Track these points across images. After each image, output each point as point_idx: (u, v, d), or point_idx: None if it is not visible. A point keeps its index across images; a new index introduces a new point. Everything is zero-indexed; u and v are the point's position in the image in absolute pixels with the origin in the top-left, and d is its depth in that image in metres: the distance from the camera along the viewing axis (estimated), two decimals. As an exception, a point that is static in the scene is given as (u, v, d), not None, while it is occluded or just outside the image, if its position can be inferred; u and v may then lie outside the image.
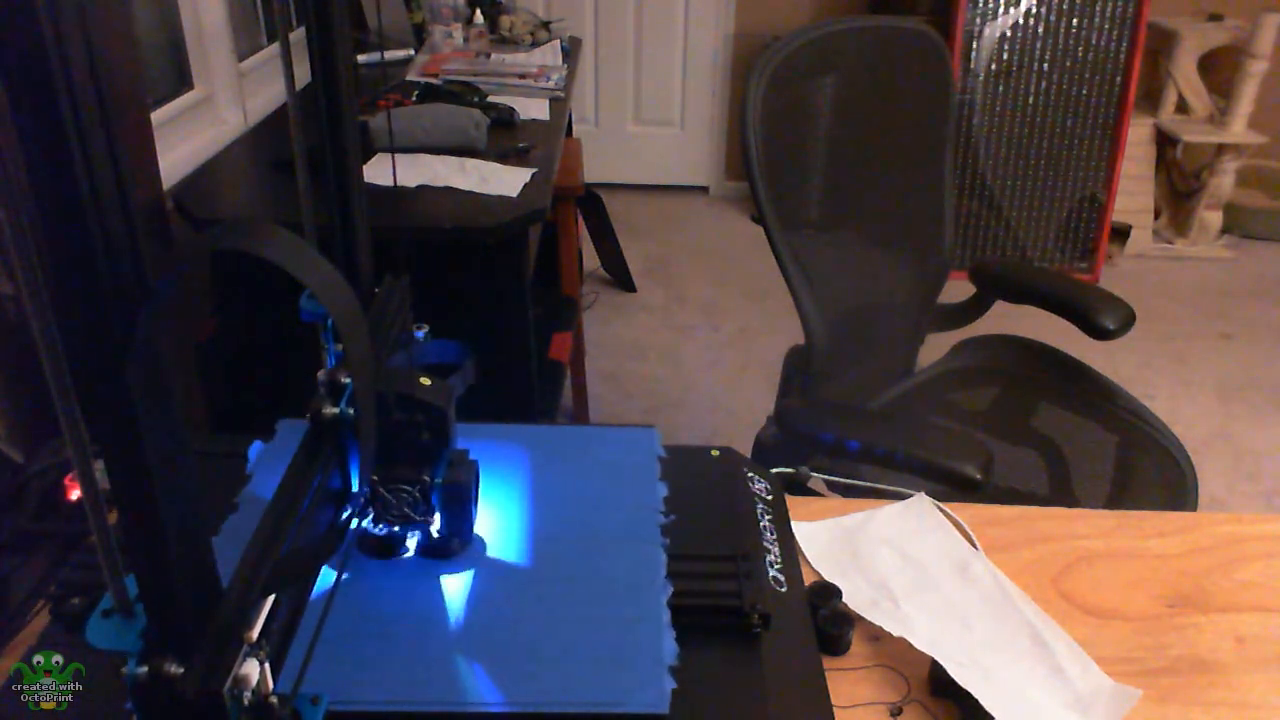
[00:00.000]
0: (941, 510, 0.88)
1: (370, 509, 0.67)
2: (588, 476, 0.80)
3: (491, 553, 0.72)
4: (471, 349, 0.76)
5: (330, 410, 0.60)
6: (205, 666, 0.44)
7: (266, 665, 0.48)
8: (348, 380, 0.62)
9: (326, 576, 0.63)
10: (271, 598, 0.50)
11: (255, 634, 0.48)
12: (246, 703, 0.47)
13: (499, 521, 0.75)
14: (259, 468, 0.78)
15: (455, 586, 0.69)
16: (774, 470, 0.91)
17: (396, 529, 0.68)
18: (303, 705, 0.52)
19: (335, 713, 0.58)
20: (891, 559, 0.82)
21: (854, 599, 0.76)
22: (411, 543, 0.71)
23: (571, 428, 0.90)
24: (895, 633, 0.72)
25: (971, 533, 0.86)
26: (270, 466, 0.78)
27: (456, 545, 0.71)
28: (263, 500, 0.72)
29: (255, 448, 0.81)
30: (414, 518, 0.67)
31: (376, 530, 0.69)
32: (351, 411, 0.60)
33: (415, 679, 0.61)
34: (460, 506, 0.68)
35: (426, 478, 0.66)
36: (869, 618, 0.74)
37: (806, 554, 0.82)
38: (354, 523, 0.66)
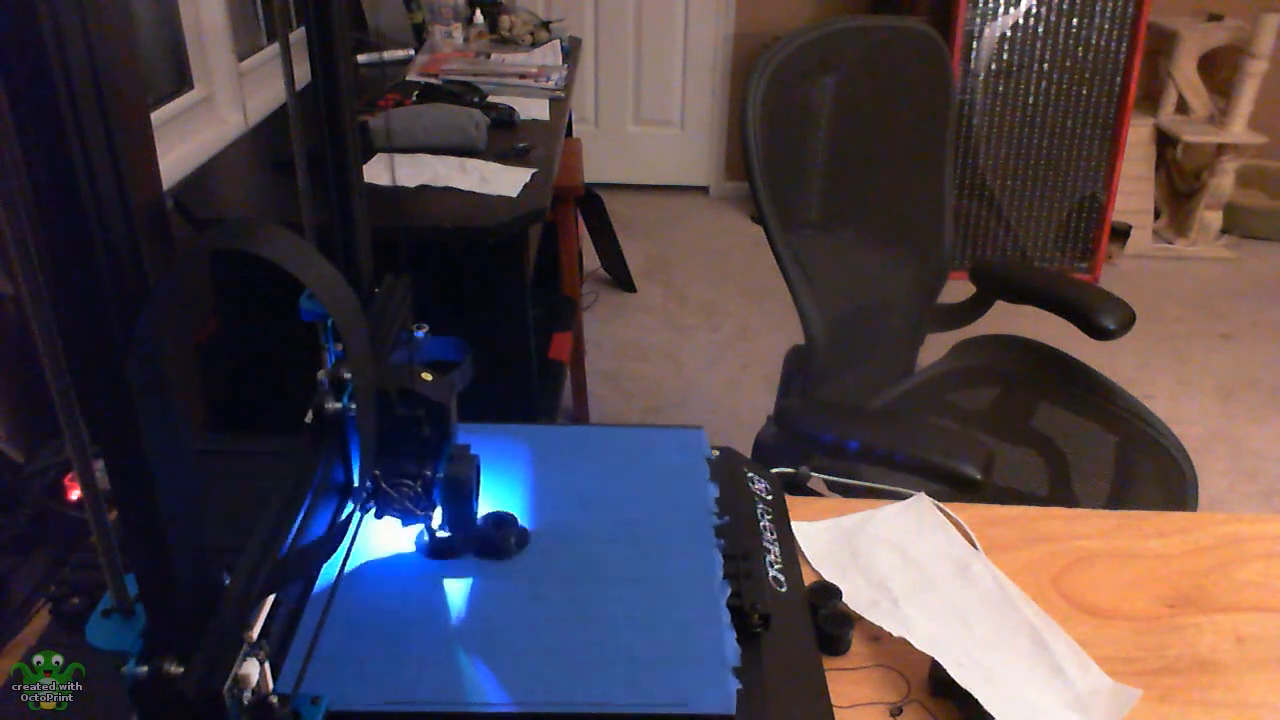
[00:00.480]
0: (941, 510, 0.88)
1: (373, 503, 0.67)
2: (639, 478, 0.81)
3: (548, 554, 0.72)
4: (470, 346, 0.76)
5: (333, 405, 0.60)
6: (205, 666, 0.44)
7: (266, 665, 0.48)
8: (349, 375, 0.62)
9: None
10: (271, 597, 0.50)
11: (255, 634, 0.48)
12: (246, 702, 0.47)
13: (554, 523, 0.75)
14: None
15: (513, 587, 0.69)
16: (774, 470, 0.91)
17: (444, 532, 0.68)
18: (302, 705, 0.52)
19: (386, 714, 0.58)
20: (891, 559, 0.82)
21: (854, 599, 0.76)
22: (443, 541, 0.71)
23: (620, 428, 0.91)
24: (895, 633, 0.72)
25: (971, 533, 0.86)
26: None
27: (513, 546, 0.71)
28: None
29: None
30: (415, 512, 0.67)
31: (437, 533, 0.69)
32: (353, 406, 0.60)
33: (467, 680, 0.61)
34: (462, 501, 0.68)
35: (428, 472, 0.66)
36: (869, 618, 0.74)
37: (806, 554, 0.82)
38: (353, 523, 0.66)
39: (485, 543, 0.71)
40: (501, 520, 0.73)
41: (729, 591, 0.68)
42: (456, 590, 0.69)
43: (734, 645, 0.64)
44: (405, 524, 0.69)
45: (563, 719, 0.60)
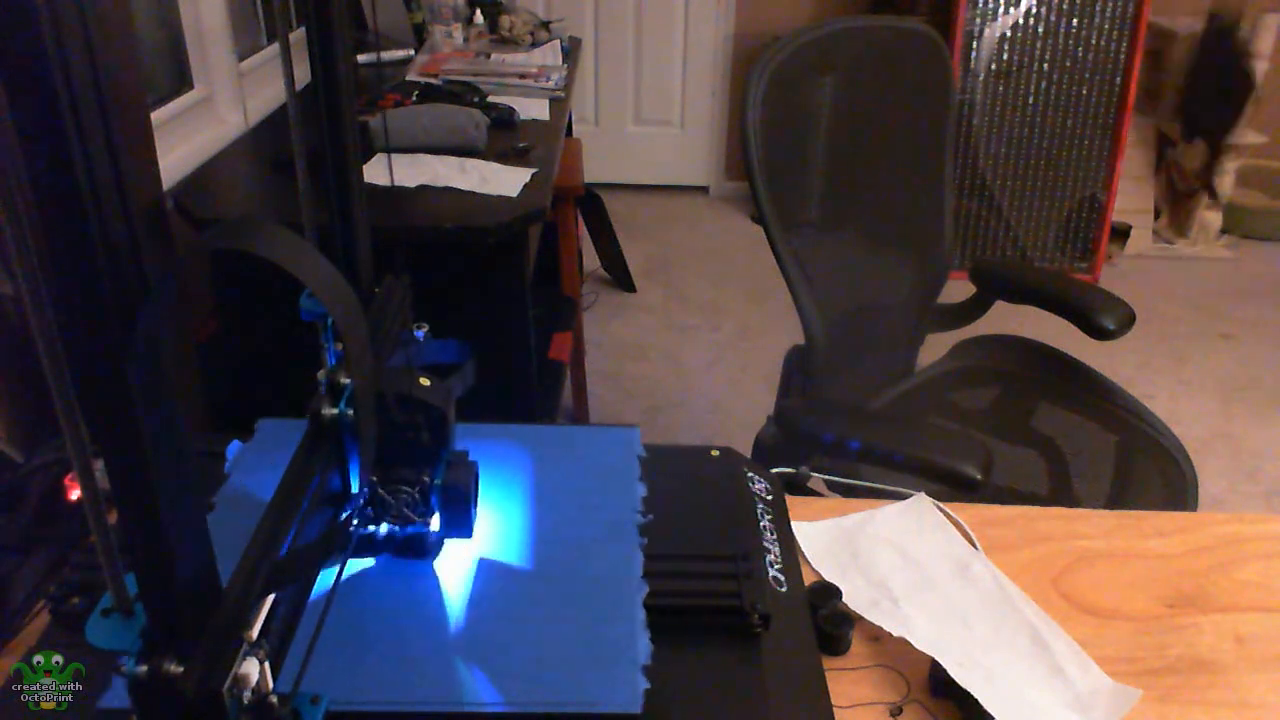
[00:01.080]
0: (941, 510, 0.88)
1: (370, 509, 0.67)
2: (568, 476, 0.81)
3: (464, 552, 0.72)
4: (471, 349, 0.76)
5: (330, 411, 0.60)
6: (205, 666, 0.44)
7: (266, 664, 0.48)
8: (347, 380, 0.62)
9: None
10: (271, 597, 0.50)
11: (255, 633, 0.48)
12: (246, 702, 0.47)
13: (479, 520, 0.75)
14: (236, 468, 0.78)
15: (432, 586, 0.69)
16: (774, 470, 0.91)
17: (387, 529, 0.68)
18: (302, 705, 0.52)
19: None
20: (891, 559, 0.82)
21: (854, 599, 0.76)
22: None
23: (553, 427, 0.90)
24: (895, 633, 0.72)
25: (971, 533, 0.86)
26: (248, 467, 0.78)
27: (431, 545, 0.71)
28: (240, 501, 0.72)
29: (233, 447, 0.81)
30: (413, 518, 0.67)
31: (365, 531, 0.69)
32: (351, 412, 0.60)
33: (388, 679, 0.61)
34: (460, 507, 0.68)
35: (426, 478, 0.66)
36: (869, 618, 0.74)
37: (806, 554, 0.82)
38: (354, 523, 0.65)
39: (403, 542, 0.71)
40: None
41: (646, 590, 0.68)
42: (369, 588, 0.68)
43: (646, 644, 0.64)
44: (403, 531, 0.69)
45: (468, 719, 0.60)
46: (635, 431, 0.86)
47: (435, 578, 0.70)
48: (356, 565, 0.70)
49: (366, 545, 0.70)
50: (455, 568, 0.71)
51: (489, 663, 0.63)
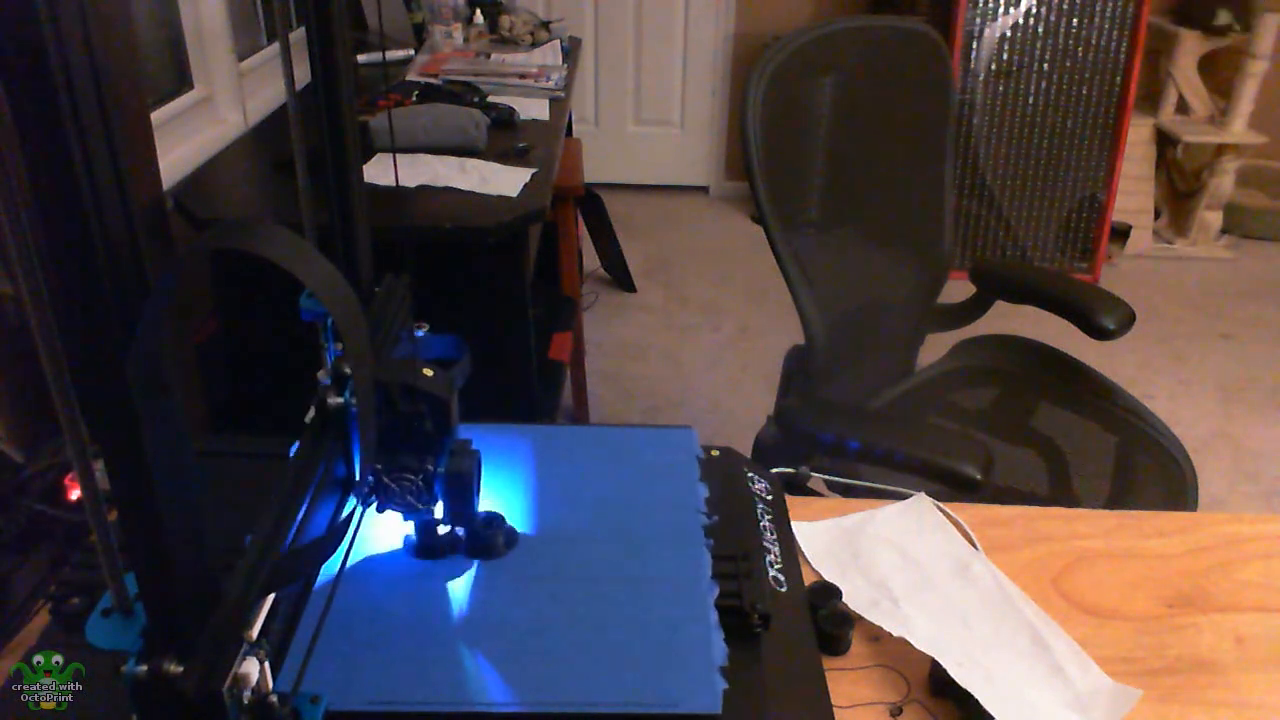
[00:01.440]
0: (941, 510, 0.88)
1: (374, 498, 0.67)
2: (629, 477, 0.81)
3: (537, 553, 0.72)
4: (469, 345, 0.76)
5: (335, 400, 0.60)
6: (205, 665, 0.44)
7: (266, 664, 0.48)
8: (351, 372, 0.62)
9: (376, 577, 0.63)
10: (271, 596, 0.50)
11: (255, 633, 0.48)
12: (246, 702, 0.47)
13: (543, 522, 0.75)
14: None
15: (502, 586, 0.69)
16: (774, 470, 0.91)
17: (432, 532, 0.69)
18: (302, 704, 0.52)
19: (369, 713, 0.58)
20: (892, 559, 0.82)
21: (854, 599, 0.76)
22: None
23: (610, 428, 0.91)
24: (895, 633, 0.72)
25: (971, 533, 0.86)
26: None
27: (502, 546, 0.71)
28: None
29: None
30: (417, 506, 0.67)
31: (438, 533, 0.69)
32: (355, 402, 0.60)
33: (462, 680, 0.61)
34: (463, 495, 0.68)
35: (430, 467, 0.66)
36: (869, 618, 0.74)
37: (806, 554, 0.82)
38: (354, 522, 0.66)
39: (474, 542, 0.71)
40: (490, 519, 0.73)
41: (717, 591, 0.68)
42: (442, 590, 0.68)
43: (721, 645, 0.64)
44: (406, 518, 0.69)
45: (550, 719, 0.60)
46: (692, 432, 0.87)
47: (508, 579, 0.70)
48: (433, 566, 0.70)
49: (437, 547, 0.71)
50: (524, 569, 0.71)
51: (570, 664, 0.63)
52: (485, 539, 0.71)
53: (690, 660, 0.63)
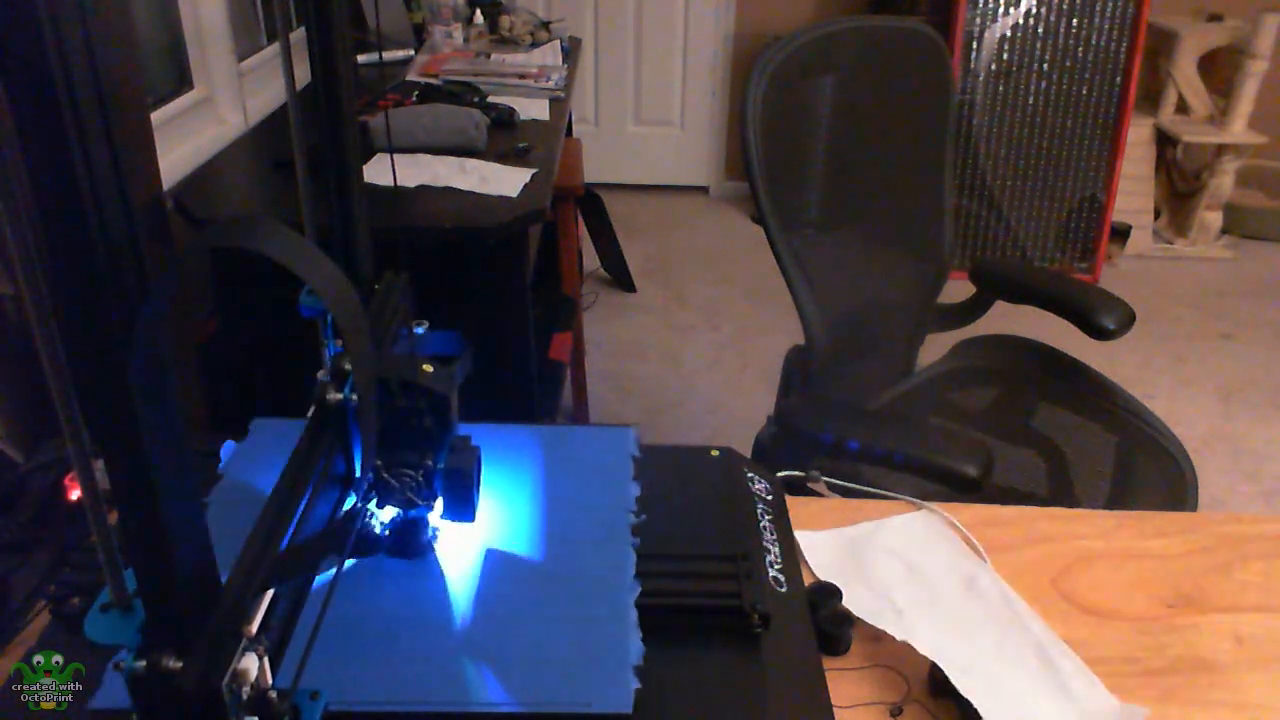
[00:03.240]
0: (950, 522, 0.88)
1: (374, 494, 0.67)
2: (562, 476, 0.81)
3: (459, 552, 0.72)
4: (469, 343, 0.76)
5: (335, 396, 0.60)
6: (203, 661, 0.44)
7: (265, 660, 0.48)
8: (351, 369, 0.62)
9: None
10: (270, 592, 0.50)
11: (254, 628, 0.48)
12: (245, 697, 0.47)
13: (473, 520, 0.75)
14: (230, 467, 0.78)
15: (423, 586, 0.69)
16: (781, 474, 0.91)
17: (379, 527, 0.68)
18: (302, 700, 0.52)
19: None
20: (897, 570, 0.81)
21: (857, 608, 0.75)
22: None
23: (548, 427, 0.91)
24: (899, 637, 0.72)
25: (979, 545, 0.86)
26: (241, 467, 0.78)
27: (425, 545, 0.71)
28: (234, 500, 0.72)
29: (228, 447, 0.81)
30: (417, 502, 0.67)
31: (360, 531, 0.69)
32: (355, 397, 0.60)
33: (381, 678, 0.62)
34: (463, 491, 0.69)
35: (429, 462, 0.66)
36: (872, 624, 0.74)
37: (810, 563, 0.82)
38: (356, 518, 0.66)
39: (397, 541, 0.71)
40: (414, 518, 0.72)
41: (638, 590, 0.68)
42: (361, 589, 0.68)
43: (638, 644, 0.64)
44: (407, 514, 0.69)
45: (462, 719, 0.60)
46: (630, 431, 0.86)
47: (428, 577, 0.70)
48: (352, 563, 0.70)
49: (362, 544, 0.70)
50: (448, 567, 0.71)
51: (482, 663, 0.63)
52: (407, 538, 0.71)
53: (605, 659, 0.63)
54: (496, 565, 0.71)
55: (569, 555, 0.72)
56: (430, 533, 0.72)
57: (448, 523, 0.73)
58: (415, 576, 0.70)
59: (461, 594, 0.68)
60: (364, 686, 0.61)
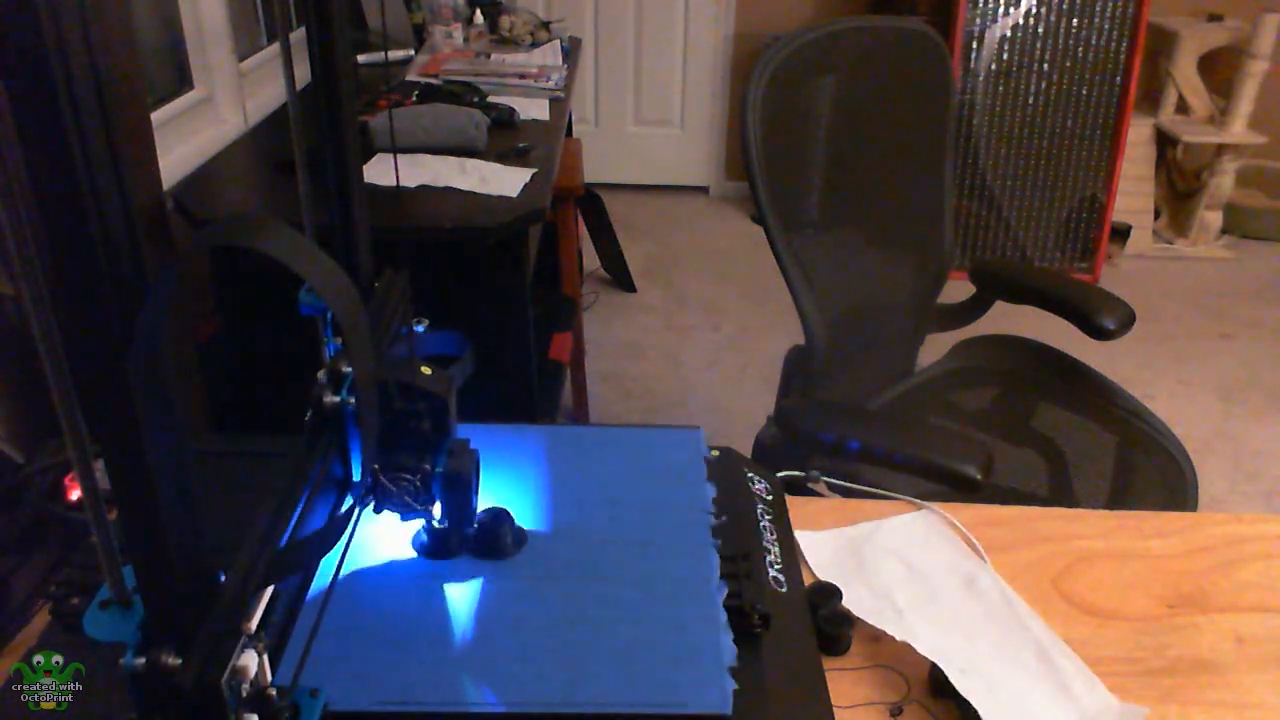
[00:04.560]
0: (950, 522, 0.88)
1: (371, 498, 0.67)
2: (637, 478, 0.81)
3: (545, 553, 0.72)
4: (470, 338, 0.76)
5: (331, 399, 0.60)
6: (203, 658, 0.44)
7: (265, 657, 0.48)
8: (348, 368, 0.62)
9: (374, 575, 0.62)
10: (270, 589, 0.50)
11: (254, 625, 0.48)
12: (245, 694, 0.47)
13: (551, 523, 0.75)
14: None
15: (510, 587, 0.69)
16: (781, 474, 0.91)
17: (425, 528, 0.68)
18: (301, 698, 0.52)
19: (382, 714, 0.58)
20: (897, 570, 0.81)
21: (858, 609, 0.75)
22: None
23: (618, 429, 0.91)
24: (899, 638, 0.72)
25: (979, 544, 0.86)
26: None
27: (510, 546, 0.71)
28: None
29: None
30: (414, 506, 0.67)
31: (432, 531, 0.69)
32: (352, 400, 0.60)
33: (471, 680, 0.61)
34: (461, 495, 0.68)
35: (427, 466, 0.66)
36: (873, 624, 0.74)
37: (811, 563, 0.82)
38: (353, 517, 0.65)
39: (482, 543, 0.71)
40: (498, 517, 0.73)
41: (725, 591, 0.68)
42: (453, 591, 0.69)
43: (730, 645, 0.64)
44: (404, 519, 0.69)
45: (559, 719, 0.60)
46: (699, 432, 0.87)
47: (515, 578, 0.70)
48: (441, 567, 0.71)
49: (445, 547, 0.71)
50: (534, 569, 0.71)
51: (578, 664, 0.63)
52: (493, 539, 0.71)
53: (699, 660, 0.63)
54: (582, 567, 0.71)
55: (653, 557, 0.72)
56: (517, 533, 0.72)
57: (532, 525, 0.73)
58: (503, 578, 0.70)
59: (552, 596, 0.68)
60: (455, 687, 0.61)
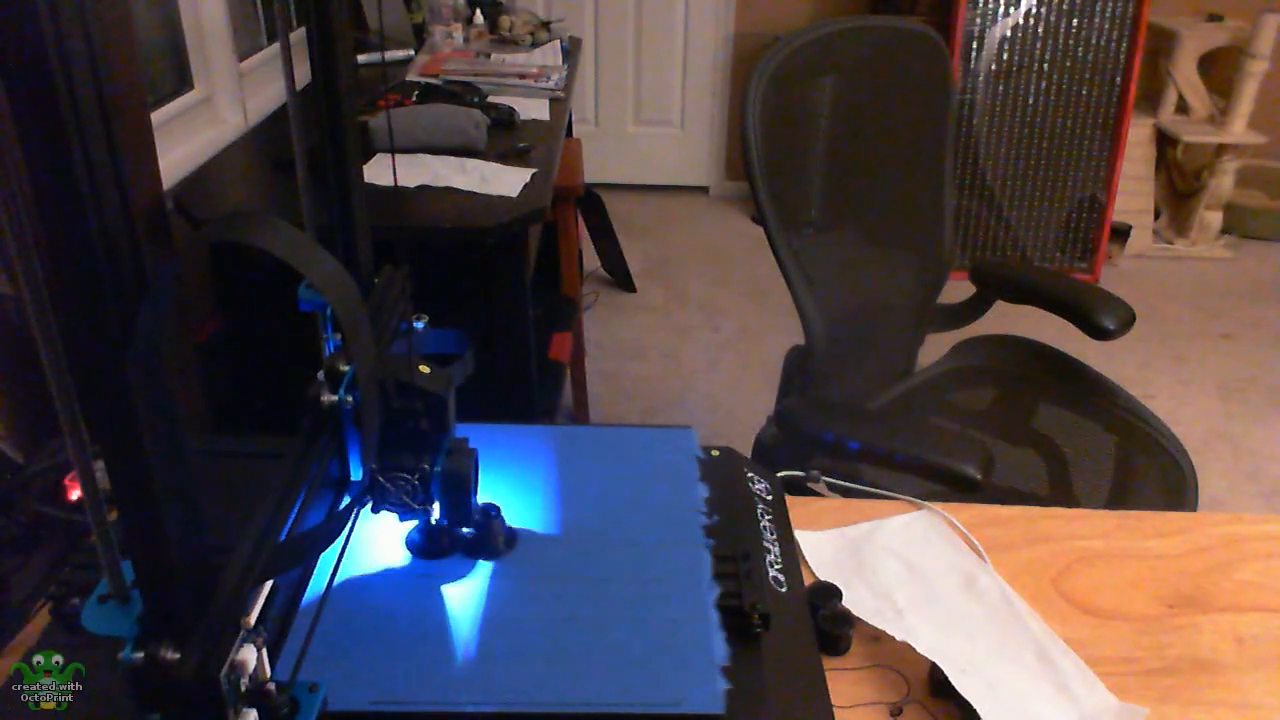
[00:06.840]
0: (950, 522, 0.88)
1: (369, 496, 0.67)
2: (629, 478, 0.81)
3: (538, 553, 0.72)
4: (470, 338, 0.76)
5: (329, 398, 0.60)
6: (201, 652, 0.44)
7: (264, 651, 0.48)
8: (346, 367, 0.62)
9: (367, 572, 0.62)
10: (269, 584, 0.50)
11: (252, 620, 0.48)
12: (243, 689, 0.47)
13: (544, 522, 0.75)
14: None
15: (503, 586, 0.69)
16: (781, 474, 0.91)
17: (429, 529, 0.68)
18: (300, 693, 0.51)
19: (374, 714, 0.58)
20: (897, 570, 0.81)
21: (858, 609, 0.75)
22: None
23: (610, 428, 0.91)
24: (899, 638, 0.72)
25: (979, 545, 0.86)
26: None
27: (502, 545, 0.71)
28: None
29: None
30: (412, 506, 0.67)
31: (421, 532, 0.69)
32: (350, 399, 0.60)
33: (464, 680, 0.61)
34: (459, 495, 0.68)
35: (425, 466, 0.66)
36: (872, 624, 0.74)
37: (811, 563, 0.82)
38: (353, 512, 0.65)
39: (475, 541, 0.71)
40: (486, 512, 0.73)
41: (718, 591, 0.68)
42: (444, 591, 0.69)
43: (723, 645, 0.64)
44: (402, 519, 0.69)
45: (552, 719, 0.60)
46: (692, 432, 0.87)
47: (508, 577, 0.70)
48: (434, 566, 0.70)
49: (439, 546, 0.71)
50: (526, 568, 0.71)
51: (571, 663, 0.63)
52: (486, 539, 0.71)
53: (692, 660, 0.63)
54: (574, 567, 0.71)
55: (645, 557, 0.72)
56: (509, 533, 0.72)
57: (524, 525, 0.73)
58: (495, 578, 0.70)
59: (544, 596, 0.68)
60: (449, 687, 0.61)
